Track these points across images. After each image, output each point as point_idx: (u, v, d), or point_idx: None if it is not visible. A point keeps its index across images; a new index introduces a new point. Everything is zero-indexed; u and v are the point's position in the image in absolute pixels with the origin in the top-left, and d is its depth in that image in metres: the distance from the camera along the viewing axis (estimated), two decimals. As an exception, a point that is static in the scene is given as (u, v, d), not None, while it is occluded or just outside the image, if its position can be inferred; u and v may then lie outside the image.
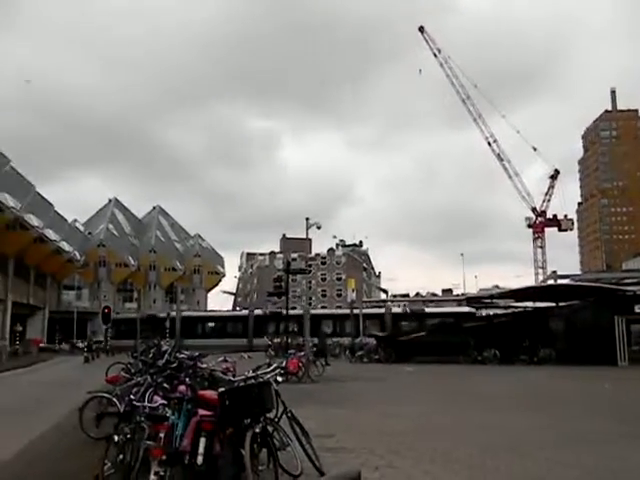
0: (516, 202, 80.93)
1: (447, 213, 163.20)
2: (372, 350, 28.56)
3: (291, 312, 38.03)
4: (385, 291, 68.82)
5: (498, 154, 69.40)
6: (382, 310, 44.33)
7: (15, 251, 45.53)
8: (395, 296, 75.62)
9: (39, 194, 50.42)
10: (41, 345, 35.43)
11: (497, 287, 73.22)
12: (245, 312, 49.57)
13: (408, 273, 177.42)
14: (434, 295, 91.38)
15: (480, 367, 22.96)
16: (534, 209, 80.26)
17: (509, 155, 70.56)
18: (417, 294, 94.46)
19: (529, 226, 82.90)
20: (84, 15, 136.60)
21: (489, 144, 69.04)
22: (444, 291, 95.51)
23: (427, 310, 43.23)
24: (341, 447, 7.28)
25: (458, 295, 69.59)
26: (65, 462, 7.33)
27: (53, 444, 8.69)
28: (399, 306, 46.36)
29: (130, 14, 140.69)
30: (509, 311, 33.45)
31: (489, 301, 40.85)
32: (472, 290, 69.40)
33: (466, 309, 40.80)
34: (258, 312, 45.95)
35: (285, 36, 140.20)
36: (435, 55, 65.14)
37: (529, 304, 33.35)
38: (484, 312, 40.84)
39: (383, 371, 21.83)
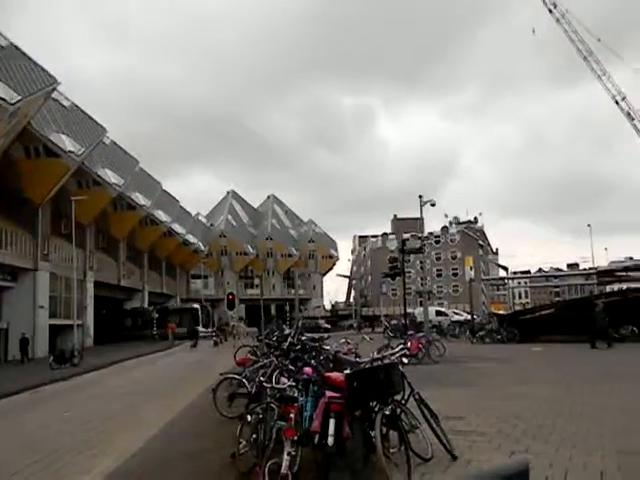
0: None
1: (564, 181, 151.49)
2: (494, 330, 27.41)
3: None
4: (505, 268, 65.45)
5: (628, 112, 62.65)
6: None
7: (148, 245, 49.61)
8: (515, 273, 72.01)
9: (165, 191, 54.38)
10: (176, 331, 38.28)
11: (631, 259, 67.07)
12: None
13: (527, 248, 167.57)
14: (558, 270, 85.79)
15: (615, 346, 21.10)
16: (673, 171, 71.85)
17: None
18: (539, 270, 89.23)
19: (668, 190, 74.50)
20: (180, 18, 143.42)
21: (616, 102, 62.47)
22: (569, 266, 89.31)
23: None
24: (472, 430, 6.98)
25: (586, 269, 64.75)
26: (203, 439, 7.80)
27: (192, 422, 9.31)
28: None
29: (221, 5, 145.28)
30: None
31: (623, 274, 37.61)
32: (602, 263, 63.99)
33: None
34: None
35: (373, 6, 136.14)
36: (550, 11, 59.75)
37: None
38: (616, 287, 37.67)
39: (507, 351, 20.85)
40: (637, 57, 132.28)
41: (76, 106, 34.81)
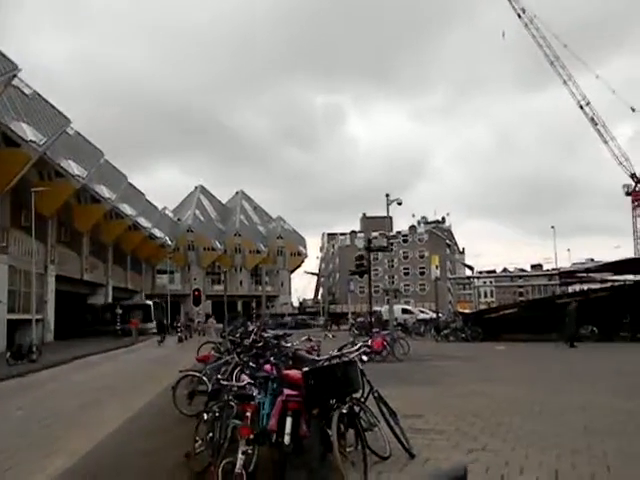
0: (609, 168, 75.00)
1: (530, 184, 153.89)
2: (459, 328, 27.79)
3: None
4: (471, 267, 66.56)
5: (592, 118, 64.16)
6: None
7: (113, 239, 48.54)
8: (481, 272, 73.33)
9: (131, 184, 53.29)
10: (139, 327, 37.66)
11: (592, 260, 68.93)
12: None
13: (493, 248, 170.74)
14: (522, 271, 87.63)
15: (577, 345, 21.66)
16: (633, 175, 73.85)
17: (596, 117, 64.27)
18: (504, 270, 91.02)
19: (627, 194, 76.68)
20: (147, 4, 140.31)
21: (581, 107, 63.95)
22: (533, 266, 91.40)
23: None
24: (431, 428, 7.01)
25: (549, 270, 66.29)
26: (160, 437, 7.65)
27: (151, 419, 9.14)
28: None
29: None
30: (607, 285, 31.17)
31: (584, 275, 38.56)
32: (564, 264, 65.64)
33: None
34: None
35: (345, 6, 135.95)
36: (519, 16, 60.79)
37: (629, 277, 30.97)
38: (577, 287, 38.65)
39: (471, 350, 21.15)
40: (599, 63, 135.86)
41: (38, 94, 33.73)
